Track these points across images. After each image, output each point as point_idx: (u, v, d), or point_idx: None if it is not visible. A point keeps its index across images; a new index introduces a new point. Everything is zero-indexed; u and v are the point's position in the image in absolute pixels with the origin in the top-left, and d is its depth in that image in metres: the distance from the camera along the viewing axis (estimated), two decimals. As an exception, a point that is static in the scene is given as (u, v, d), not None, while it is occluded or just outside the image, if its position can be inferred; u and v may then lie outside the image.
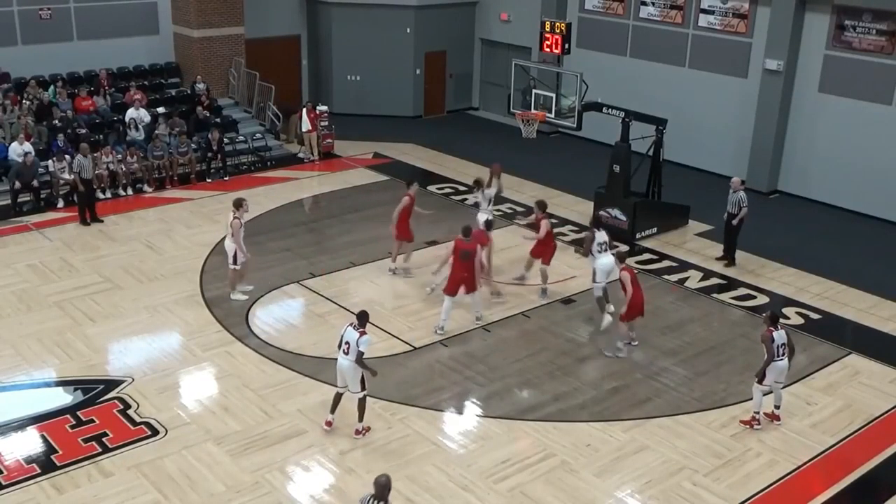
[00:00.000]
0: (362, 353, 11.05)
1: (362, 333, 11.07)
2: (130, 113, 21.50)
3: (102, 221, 18.38)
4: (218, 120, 22.89)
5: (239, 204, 14.85)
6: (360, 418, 11.50)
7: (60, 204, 19.24)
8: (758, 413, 11.91)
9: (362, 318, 11.23)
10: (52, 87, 22.07)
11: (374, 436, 11.54)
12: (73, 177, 18.34)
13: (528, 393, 12.72)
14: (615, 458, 11.27)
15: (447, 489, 10.57)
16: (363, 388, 11.34)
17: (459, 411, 12.29)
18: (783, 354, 11.62)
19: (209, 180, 21.22)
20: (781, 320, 14.91)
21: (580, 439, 11.62)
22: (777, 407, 12.05)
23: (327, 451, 11.19)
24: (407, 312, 14.92)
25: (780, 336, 11.63)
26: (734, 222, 16.73)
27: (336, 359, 11.34)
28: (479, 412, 12.28)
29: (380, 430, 11.66)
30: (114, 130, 21.32)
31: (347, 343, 11.14)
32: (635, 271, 13.87)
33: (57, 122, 20.89)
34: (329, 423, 11.57)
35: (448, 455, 11.25)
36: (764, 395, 11.84)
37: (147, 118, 21.61)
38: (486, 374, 13.13)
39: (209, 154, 21.30)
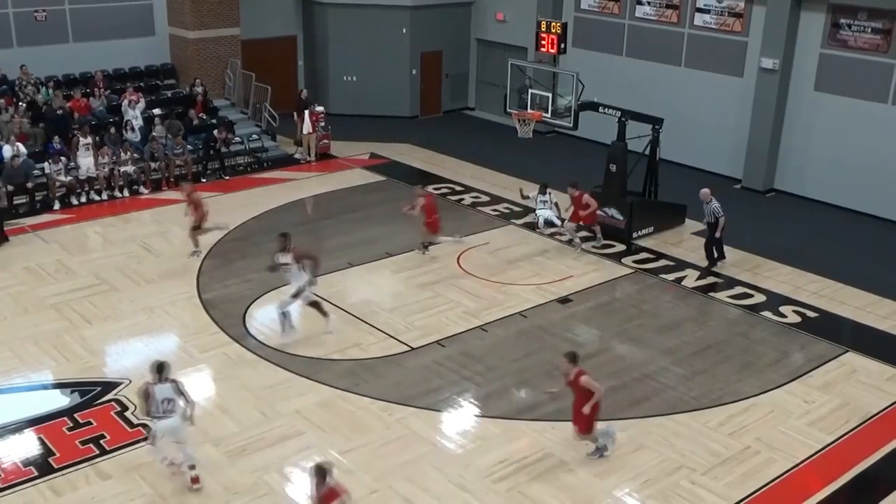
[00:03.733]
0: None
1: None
2: (129, 114, 21.49)
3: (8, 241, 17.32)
4: (215, 121, 22.86)
5: None
6: None
7: (56, 206, 19.20)
8: (167, 460, 10.53)
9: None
10: (43, 89, 22.02)
11: (372, 435, 11.54)
12: (69, 178, 18.28)
13: (525, 392, 12.72)
14: (613, 457, 11.24)
15: (445, 489, 10.55)
16: None
17: (457, 411, 12.29)
18: (166, 411, 10.06)
19: (205, 181, 21.19)
20: (779, 318, 15.03)
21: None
22: (192, 467, 10.32)
23: (325, 452, 11.16)
24: (404, 313, 14.91)
25: (161, 390, 10.06)
26: (717, 235, 16.56)
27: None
28: (477, 412, 12.27)
29: (377, 431, 11.66)
30: (108, 132, 21.27)
31: None
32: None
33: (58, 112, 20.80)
34: None
35: (446, 455, 11.23)
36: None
37: (140, 120, 21.53)
38: (483, 374, 13.11)
39: (212, 153, 21.39)
